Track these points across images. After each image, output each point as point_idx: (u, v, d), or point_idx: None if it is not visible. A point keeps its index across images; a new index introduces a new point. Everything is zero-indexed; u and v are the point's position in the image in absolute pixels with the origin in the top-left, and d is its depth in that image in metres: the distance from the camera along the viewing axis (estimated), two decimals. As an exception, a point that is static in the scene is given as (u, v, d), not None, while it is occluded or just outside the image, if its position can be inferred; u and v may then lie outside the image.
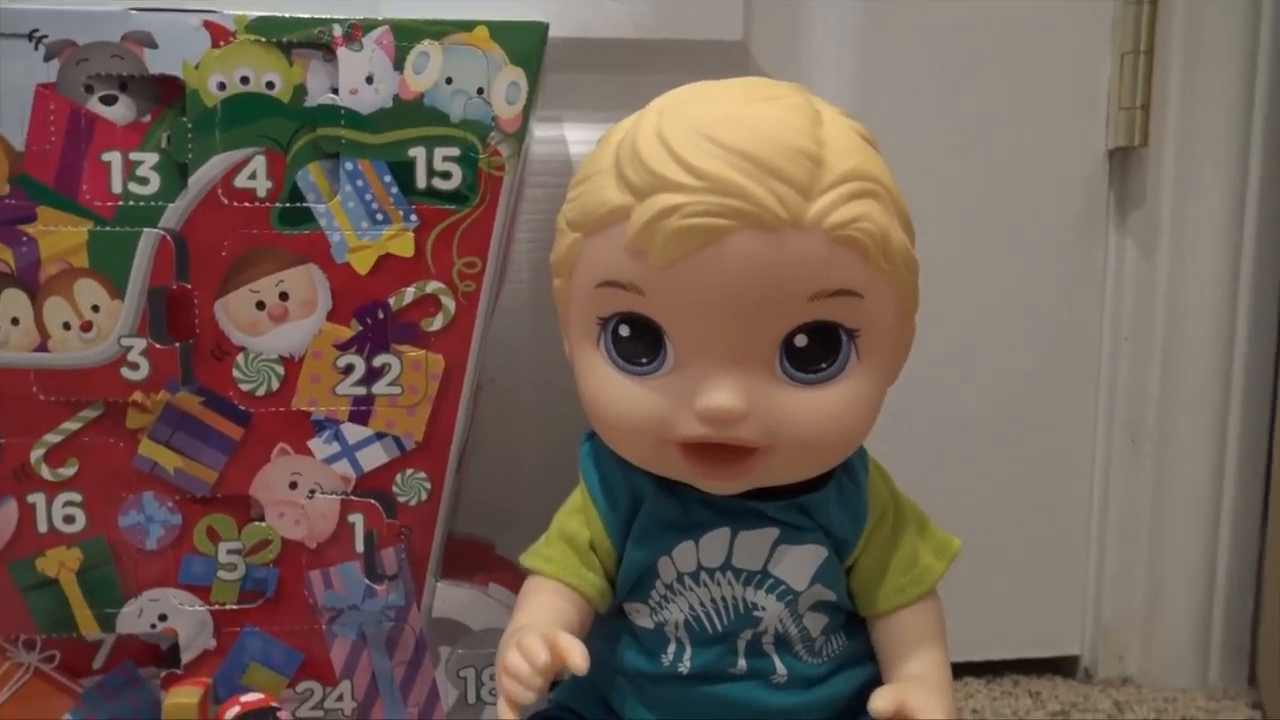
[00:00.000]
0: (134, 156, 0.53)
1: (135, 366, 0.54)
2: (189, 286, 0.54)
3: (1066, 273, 0.73)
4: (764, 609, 0.47)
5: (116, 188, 0.53)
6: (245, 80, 0.53)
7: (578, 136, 0.67)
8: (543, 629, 0.43)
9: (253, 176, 0.54)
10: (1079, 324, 0.74)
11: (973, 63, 0.70)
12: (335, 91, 0.54)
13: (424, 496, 0.57)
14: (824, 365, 0.43)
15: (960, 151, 0.71)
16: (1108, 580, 0.76)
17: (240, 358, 0.55)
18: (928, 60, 0.70)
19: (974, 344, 0.73)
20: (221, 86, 0.53)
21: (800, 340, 0.43)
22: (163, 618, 0.57)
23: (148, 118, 0.54)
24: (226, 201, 0.54)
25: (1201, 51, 0.70)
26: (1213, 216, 0.72)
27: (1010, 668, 0.77)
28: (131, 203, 0.54)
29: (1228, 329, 0.73)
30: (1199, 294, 0.73)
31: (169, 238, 0.54)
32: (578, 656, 0.42)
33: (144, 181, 0.54)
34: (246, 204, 0.54)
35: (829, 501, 0.48)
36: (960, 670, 0.75)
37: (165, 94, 0.54)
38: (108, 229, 0.53)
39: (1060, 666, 0.78)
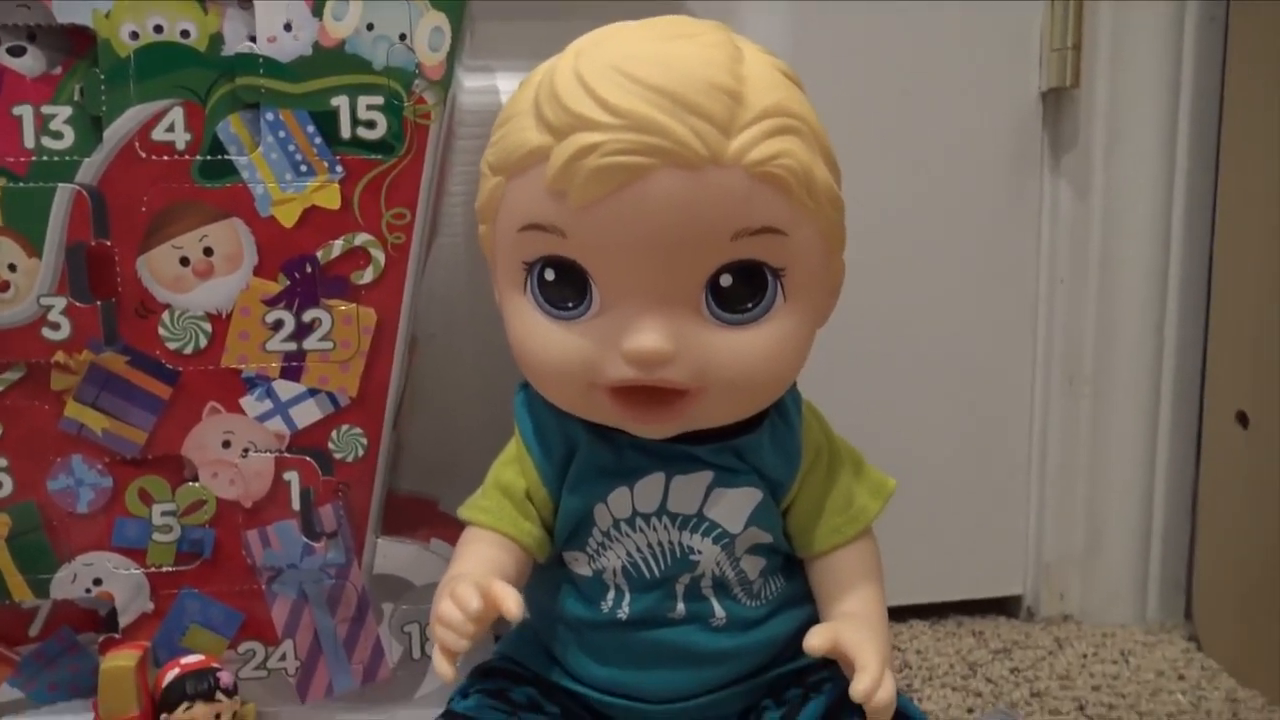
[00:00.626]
0: (46, 110, 0.52)
1: (56, 326, 0.53)
2: (109, 243, 0.53)
3: (1002, 215, 0.74)
4: (700, 553, 0.48)
5: (29, 142, 0.52)
6: (159, 29, 0.52)
7: (510, 87, 0.65)
8: (477, 577, 0.43)
9: (171, 129, 0.53)
10: (1015, 267, 0.75)
11: (905, 5, 0.70)
12: (253, 40, 0.52)
13: (361, 452, 0.57)
14: (750, 305, 0.43)
15: (894, 95, 0.71)
16: (1048, 520, 0.77)
17: (166, 315, 0.54)
18: (861, 4, 0.70)
19: (912, 287, 0.73)
20: (134, 36, 0.52)
21: (725, 280, 0.42)
22: (98, 582, 0.56)
23: (58, 69, 0.52)
24: (144, 155, 0.53)
25: (1132, -10, 0.71)
26: (1144, 157, 0.73)
27: (954, 609, 0.78)
28: (45, 158, 0.52)
29: (1160, 271, 0.74)
30: (1132, 236, 0.74)
31: (85, 193, 0.52)
32: (512, 603, 0.42)
33: (58, 136, 0.52)
34: (165, 157, 0.53)
35: (762, 444, 0.48)
36: (905, 613, 0.77)
37: (76, 44, 0.52)
38: (21, 185, 0.52)
39: (1003, 606, 0.79)
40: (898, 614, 0.74)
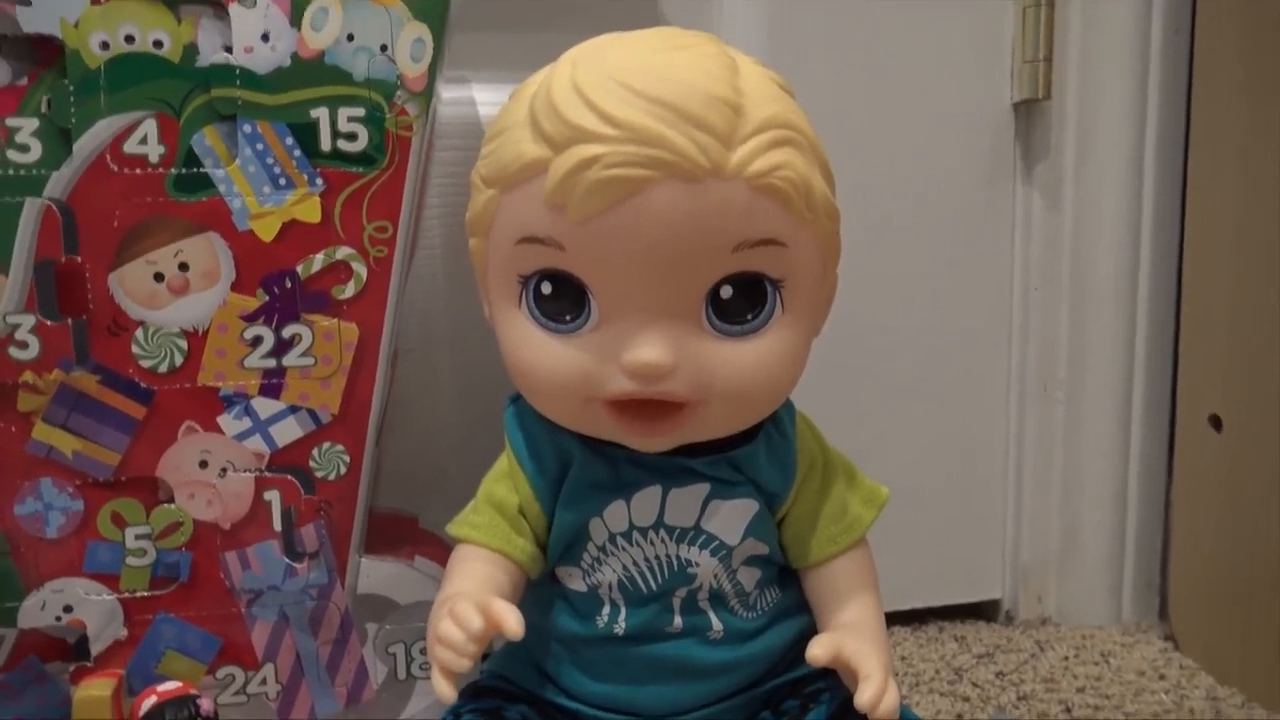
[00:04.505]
0: (11, 122, 0.50)
1: (24, 345, 0.51)
2: (79, 259, 0.51)
3: (976, 225, 0.74)
4: (698, 565, 0.47)
5: (-6, 156, 0.50)
6: (130, 39, 0.50)
7: (487, 97, 0.65)
8: (475, 596, 0.42)
9: (143, 141, 0.51)
10: (989, 276, 0.75)
11: (879, 17, 0.71)
12: (229, 50, 0.51)
13: (343, 470, 0.56)
14: (750, 317, 0.43)
15: (869, 106, 0.71)
16: (1025, 525, 0.78)
17: (139, 333, 0.52)
18: (834, 15, 0.70)
19: (887, 297, 0.73)
20: (105, 46, 0.50)
21: (726, 292, 0.42)
22: (68, 609, 0.54)
23: (24, 80, 0.51)
24: (116, 168, 0.51)
25: (1099, 3, 0.72)
26: (1114, 167, 0.74)
27: (935, 615, 0.79)
28: (11, 171, 0.50)
29: (1131, 277, 0.75)
30: (1103, 244, 0.75)
31: (54, 207, 0.51)
32: (513, 621, 0.41)
33: (24, 149, 0.50)
34: (138, 170, 0.51)
35: (758, 455, 0.48)
36: (887, 620, 0.76)
37: (43, 54, 0.50)
38: (-13, 200, 0.50)
39: (982, 611, 0.80)
40: (879, 621, 0.74)
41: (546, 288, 0.43)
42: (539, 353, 0.44)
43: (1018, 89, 0.72)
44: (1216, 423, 0.68)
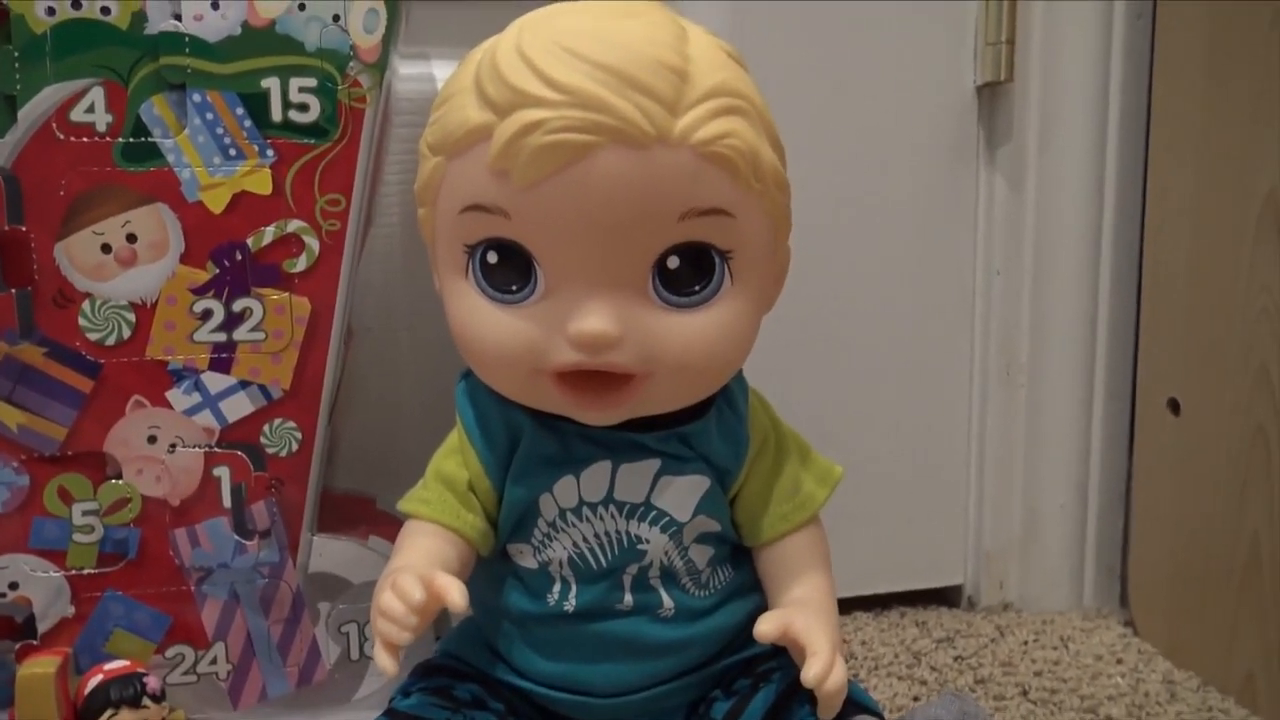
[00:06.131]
0: (-46, 89, 0.49)
1: (-34, 317, 0.51)
2: (24, 229, 0.51)
3: (939, 208, 0.74)
4: (648, 542, 0.47)
5: (-64, 123, 0.49)
6: (77, 4, 0.50)
7: (446, 74, 0.64)
8: (419, 569, 0.42)
9: (91, 109, 0.50)
10: (952, 259, 0.75)
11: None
12: (178, 18, 0.50)
13: (295, 447, 0.55)
14: (698, 288, 0.42)
15: (831, 88, 0.71)
16: (987, 510, 0.78)
17: (86, 305, 0.52)
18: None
19: (849, 279, 0.73)
20: (50, 12, 0.49)
21: (673, 262, 0.42)
22: (13, 586, 0.54)
23: (-32, 46, 0.50)
24: (62, 136, 0.50)
25: (1061, -15, 0.72)
26: (1076, 150, 0.74)
27: (897, 600, 0.79)
28: (-46, 138, 0.50)
29: (1093, 261, 0.75)
30: (1066, 228, 0.75)
31: (-2, 176, 0.50)
32: (456, 594, 0.41)
33: (-33, 116, 0.50)
34: (85, 139, 0.50)
35: (709, 431, 0.47)
36: (848, 605, 0.77)
37: (-13, 20, 0.50)
38: (-72, 167, 0.49)
39: (945, 596, 0.80)
40: (841, 606, 0.73)
41: (492, 257, 0.42)
42: (485, 324, 0.43)
43: (981, 72, 0.72)
44: (1175, 407, 0.68)
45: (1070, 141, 0.74)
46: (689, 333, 0.42)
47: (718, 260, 0.42)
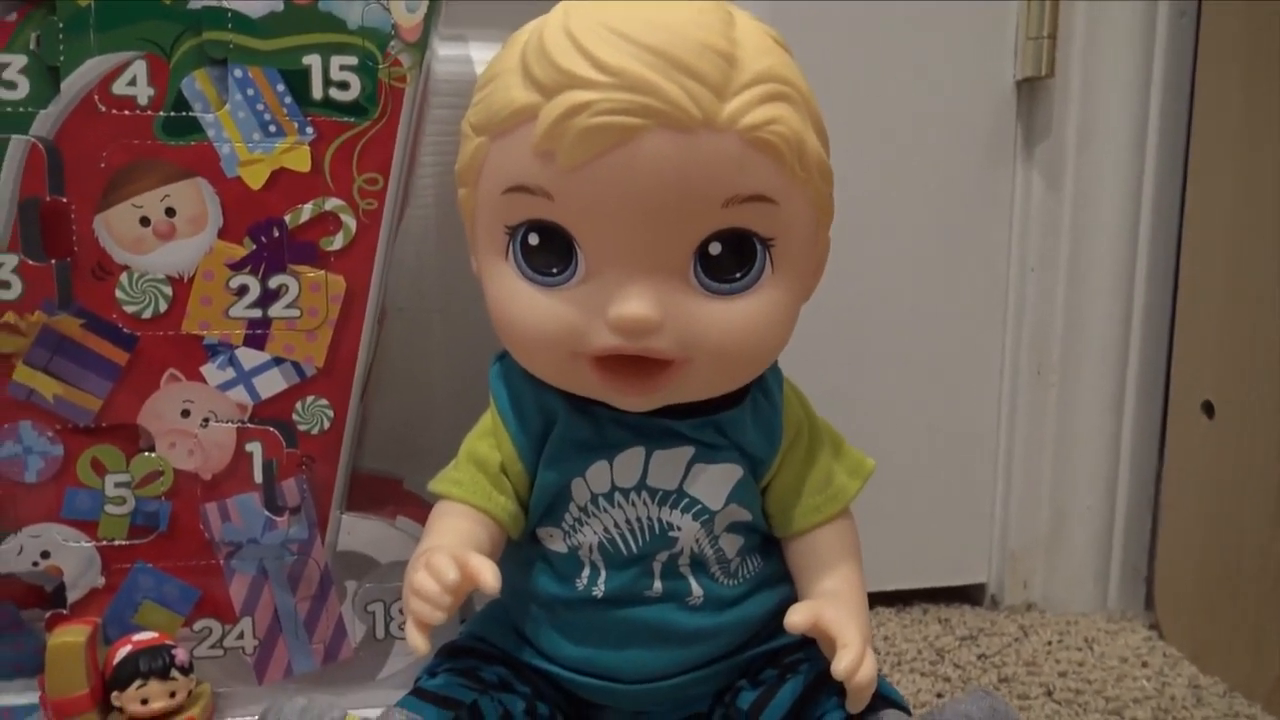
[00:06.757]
0: (-1, 58, 0.50)
1: (6, 285, 0.51)
2: (65, 200, 0.51)
3: (975, 203, 0.74)
4: (680, 529, 0.47)
5: (-19, 92, 0.50)
6: (122, -23, 0.50)
7: (483, 56, 0.64)
8: (452, 549, 0.42)
9: (133, 83, 0.50)
10: (987, 255, 0.75)
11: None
12: (222, -7, 0.50)
13: (326, 425, 0.55)
14: (739, 275, 0.42)
15: (870, 80, 0.70)
16: (1013, 509, 0.78)
17: (124, 277, 0.52)
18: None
19: (883, 273, 0.73)
20: (96, -16, 0.49)
21: (715, 248, 0.41)
22: (45, 555, 0.54)
23: (13, 16, 0.50)
24: (104, 109, 0.50)
25: (1106, -19, 0.71)
26: (1116, 148, 0.73)
27: (919, 596, 0.78)
28: (-2, 108, 0.50)
29: (1129, 261, 0.74)
30: (1102, 226, 0.74)
31: (41, 146, 0.50)
32: (489, 575, 0.41)
33: (11, 86, 0.50)
34: (127, 112, 0.50)
35: (744, 420, 0.47)
36: (871, 600, 0.75)
37: (33, -9, 0.50)
38: (-29, 136, 0.49)
39: (968, 594, 0.80)
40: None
41: (534, 239, 0.42)
42: (524, 306, 0.43)
43: (1020, 66, 0.72)
44: (1209, 409, 0.68)
45: (1110, 139, 0.73)
46: (729, 320, 0.42)
47: (759, 248, 0.42)
